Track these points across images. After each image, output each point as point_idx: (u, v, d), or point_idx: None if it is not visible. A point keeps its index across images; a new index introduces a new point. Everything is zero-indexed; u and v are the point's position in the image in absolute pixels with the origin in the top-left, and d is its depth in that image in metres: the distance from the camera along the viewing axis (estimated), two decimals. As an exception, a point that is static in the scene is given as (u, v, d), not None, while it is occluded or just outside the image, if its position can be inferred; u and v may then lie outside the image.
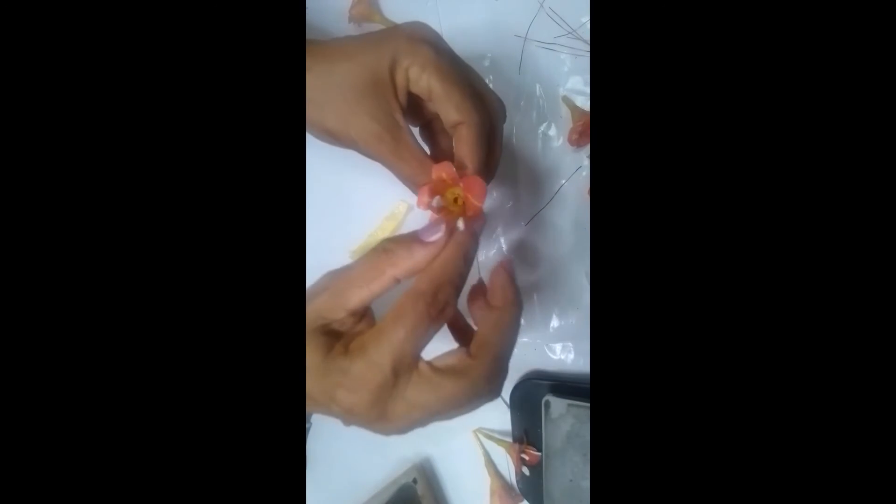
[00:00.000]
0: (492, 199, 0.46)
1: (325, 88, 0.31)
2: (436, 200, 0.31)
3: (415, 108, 0.35)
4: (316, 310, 0.28)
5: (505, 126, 0.35)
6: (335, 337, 0.28)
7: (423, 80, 0.31)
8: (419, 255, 0.29)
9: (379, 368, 0.26)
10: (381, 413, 0.27)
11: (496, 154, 0.35)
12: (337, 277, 0.29)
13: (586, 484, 0.44)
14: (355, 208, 0.47)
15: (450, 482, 0.49)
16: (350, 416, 0.28)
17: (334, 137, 0.32)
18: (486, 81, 0.36)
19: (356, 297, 0.28)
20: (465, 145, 0.32)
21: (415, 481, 0.47)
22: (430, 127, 0.37)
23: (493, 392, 0.29)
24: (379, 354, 0.26)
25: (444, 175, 0.32)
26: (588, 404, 0.43)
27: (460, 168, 0.32)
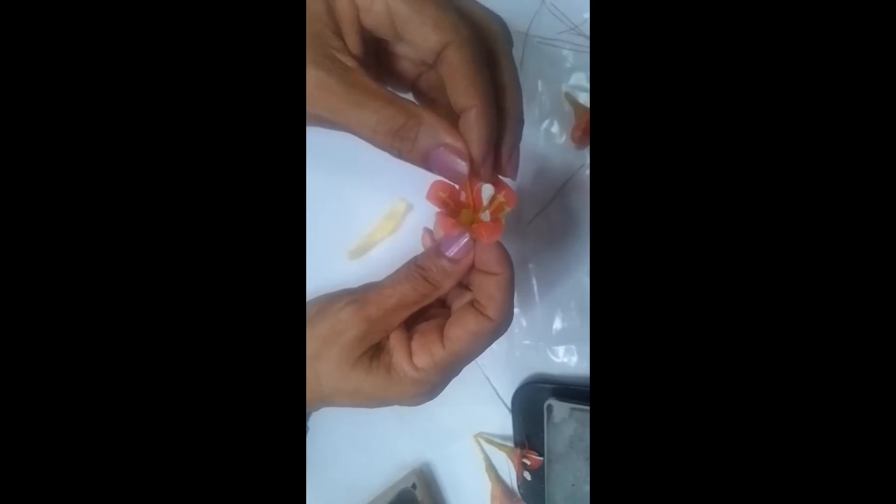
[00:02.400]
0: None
1: None
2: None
3: (392, 68, 0.29)
4: (351, 341, 0.29)
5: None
6: (383, 351, 0.30)
7: (379, 4, 0.24)
8: (455, 275, 0.29)
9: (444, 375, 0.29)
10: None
11: (510, 90, 0.27)
12: (369, 314, 0.29)
13: (589, 489, 0.43)
14: (353, 208, 0.47)
15: (450, 487, 0.49)
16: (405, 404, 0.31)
17: None
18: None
19: (398, 320, 0.29)
20: (458, 76, 0.24)
21: (414, 486, 0.46)
22: (418, 89, 0.30)
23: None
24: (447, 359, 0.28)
25: (447, 198, 0.27)
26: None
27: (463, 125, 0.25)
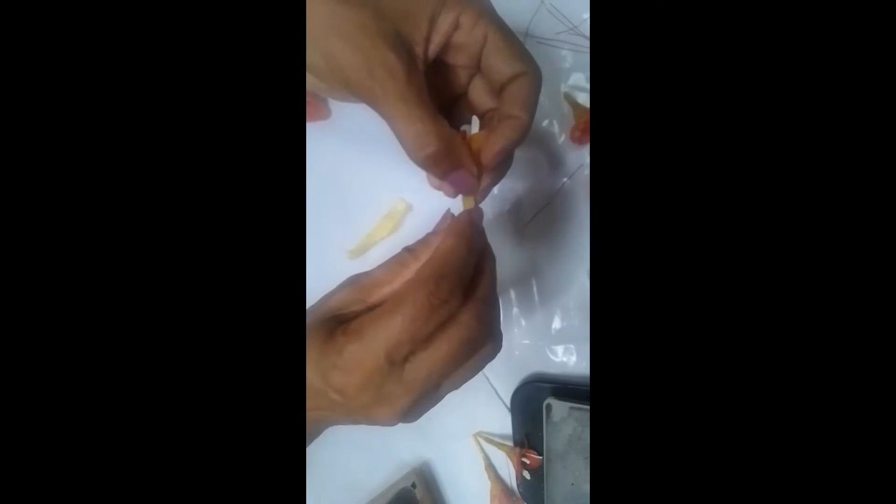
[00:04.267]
0: (492, 196, 0.46)
1: (343, 9, 0.26)
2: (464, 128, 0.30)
3: (439, 86, 0.31)
4: (332, 305, 0.29)
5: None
6: (340, 323, 0.28)
7: (479, 29, 0.28)
8: (435, 245, 0.28)
9: (373, 353, 0.26)
10: (375, 397, 0.27)
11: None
12: (360, 279, 0.29)
13: (588, 487, 0.43)
14: (353, 207, 0.47)
15: (449, 486, 0.49)
16: (343, 399, 0.27)
17: (335, 70, 0.27)
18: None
19: (378, 294, 0.28)
20: (521, 99, 0.29)
21: (414, 485, 0.46)
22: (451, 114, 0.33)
23: (492, 338, 0.29)
24: (373, 339, 0.26)
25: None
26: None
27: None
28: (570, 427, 0.43)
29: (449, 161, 0.28)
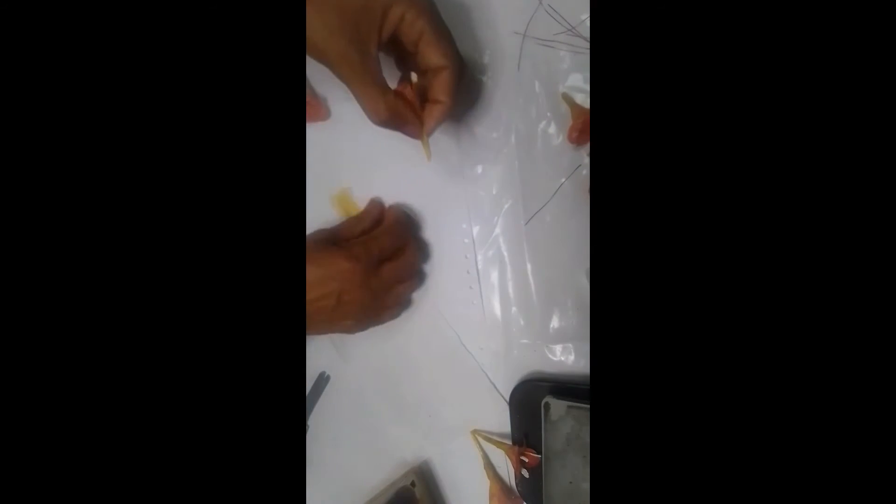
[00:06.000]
0: (491, 196, 0.46)
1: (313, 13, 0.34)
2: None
3: (400, 47, 0.38)
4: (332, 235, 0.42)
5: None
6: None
7: (418, 25, 0.35)
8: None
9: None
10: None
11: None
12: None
13: (586, 486, 0.44)
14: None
15: (448, 485, 0.49)
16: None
17: (314, 49, 0.35)
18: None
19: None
20: (444, 88, 0.37)
21: (413, 484, 0.46)
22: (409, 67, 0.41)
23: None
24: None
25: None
26: (588, 406, 0.42)
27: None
28: (568, 425, 0.44)
29: (397, 121, 0.37)
